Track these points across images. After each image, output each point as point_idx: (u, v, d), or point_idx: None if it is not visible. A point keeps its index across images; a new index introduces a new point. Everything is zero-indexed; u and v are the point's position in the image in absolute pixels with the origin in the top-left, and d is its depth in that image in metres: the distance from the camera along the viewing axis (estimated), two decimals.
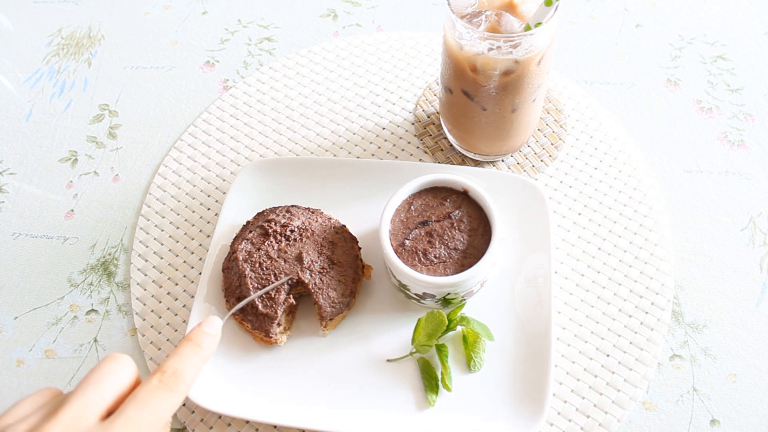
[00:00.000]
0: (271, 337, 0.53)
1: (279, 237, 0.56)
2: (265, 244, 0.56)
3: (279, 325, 0.54)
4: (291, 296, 0.54)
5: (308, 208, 0.59)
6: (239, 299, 0.54)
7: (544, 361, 0.51)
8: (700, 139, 0.68)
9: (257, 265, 0.55)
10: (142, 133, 0.71)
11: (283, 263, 0.55)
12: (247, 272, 0.54)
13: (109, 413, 0.35)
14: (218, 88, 0.74)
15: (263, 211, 0.59)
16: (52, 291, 0.61)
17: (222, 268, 0.57)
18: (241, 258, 0.55)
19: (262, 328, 0.53)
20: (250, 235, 0.57)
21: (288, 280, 0.54)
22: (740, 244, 0.61)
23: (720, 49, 0.74)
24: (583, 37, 0.76)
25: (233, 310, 0.50)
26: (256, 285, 0.54)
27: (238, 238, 0.57)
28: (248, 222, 0.59)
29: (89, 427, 0.34)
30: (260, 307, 0.53)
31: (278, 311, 0.53)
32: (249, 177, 0.62)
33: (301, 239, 0.56)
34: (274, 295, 0.53)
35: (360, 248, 0.57)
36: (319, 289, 0.54)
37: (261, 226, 0.57)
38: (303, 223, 0.57)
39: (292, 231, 0.56)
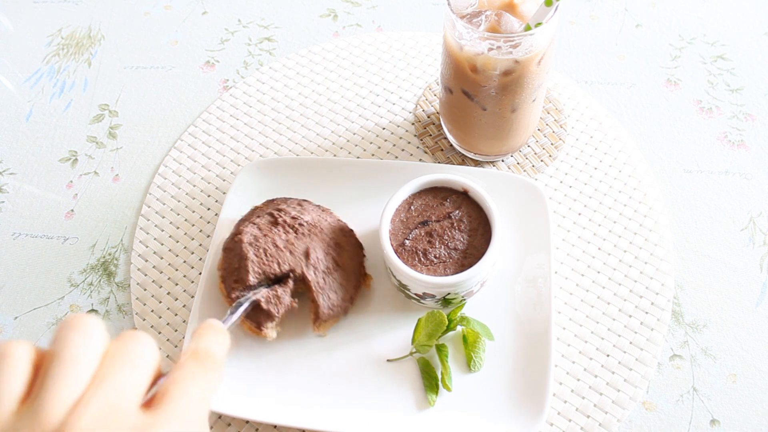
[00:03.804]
0: (261, 330, 0.52)
1: (288, 228, 0.55)
2: (273, 231, 0.55)
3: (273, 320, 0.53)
4: (295, 300, 0.53)
5: (319, 206, 0.58)
6: (237, 281, 0.53)
7: (544, 361, 0.51)
8: (700, 139, 0.68)
9: (261, 250, 0.54)
10: (142, 133, 0.71)
11: (289, 255, 0.54)
12: (249, 255, 0.53)
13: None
14: (218, 88, 0.74)
15: (274, 200, 0.58)
16: (52, 291, 0.61)
17: (223, 248, 0.56)
18: (245, 240, 0.54)
19: (255, 320, 0.52)
20: (258, 220, 0.56)
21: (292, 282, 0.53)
22: (740, 244, 0.61)
23: (720, 49, 0.74)
24: (583, 37, 0.76)
25: (234, 318, 0.49)
26: (257, 269, 0.53)
27: (245, 220, 0.56)
28: (257, 207, 0.58)
29: (130, 416, 0.28)
30: (263, 303, 0.52)
31: (280, 311, 0.53)
32: (249, 177, 0.62)
33: (310, 235, 0.55)
34: (281, 294, 0.53)
35: (365, 257, 0.57)
36: (321, 288, 0.53)
37: (270, 213, 0.56)
38: (313, 219, 0.56)
39: (301, 225, 0.55)
